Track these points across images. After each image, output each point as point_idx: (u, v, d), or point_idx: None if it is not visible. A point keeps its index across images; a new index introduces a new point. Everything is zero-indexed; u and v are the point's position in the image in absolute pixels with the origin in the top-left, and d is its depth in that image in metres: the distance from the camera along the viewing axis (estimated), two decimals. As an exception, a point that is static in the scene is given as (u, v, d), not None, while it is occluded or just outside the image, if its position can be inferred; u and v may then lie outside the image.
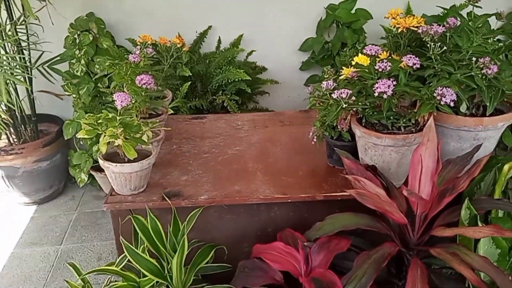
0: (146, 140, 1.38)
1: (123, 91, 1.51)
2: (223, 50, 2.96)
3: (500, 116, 1.42)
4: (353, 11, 2.91)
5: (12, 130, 2.82)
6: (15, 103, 2.69)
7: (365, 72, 1.42)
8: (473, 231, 1.18)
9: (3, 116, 2.69)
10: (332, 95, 1.43)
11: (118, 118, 1.29)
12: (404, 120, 1.45)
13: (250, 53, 3.08)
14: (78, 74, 2.78)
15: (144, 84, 1.54)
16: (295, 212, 1.55)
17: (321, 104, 1.59)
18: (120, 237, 1.31)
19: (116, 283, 1.27)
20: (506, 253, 1.31)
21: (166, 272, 1.26)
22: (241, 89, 2.74)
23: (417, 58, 1.38)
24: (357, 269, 1.18)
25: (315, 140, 1.68)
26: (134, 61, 1.66)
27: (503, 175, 1.40)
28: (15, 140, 2.84)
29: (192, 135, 1.91)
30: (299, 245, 1.28)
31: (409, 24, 1.51)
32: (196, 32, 3.07)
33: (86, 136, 1.30)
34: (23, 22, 2.69)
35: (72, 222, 2.80)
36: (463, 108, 1.43)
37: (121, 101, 1.32)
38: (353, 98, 1.42)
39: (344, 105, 1.41)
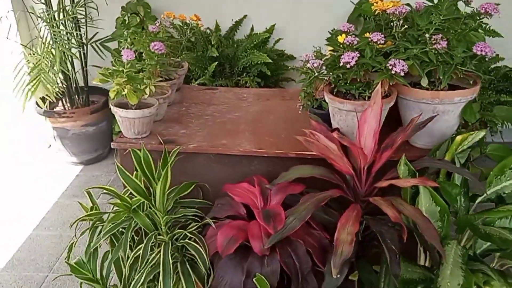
0: (148, 93, 1.68)
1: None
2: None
3: (456, 91, 1.56)
4: (377, 5, 3.05)
5: (67, 98, 3.27)
6: (70, 74, 3.14)
7: (336, 45, 1.63)
8: (404, 181, 1.36)
9: (59, 85, 3.15)
10: (307, 65, 1.65)
11: (125, 71, 1.60)
12: (370, 90, 1.63)
13: (277, 41, 3.33)
14: (125, 51, 3.15)
15: (156, 49, 1.84)
16: (273, 167, 1.78)
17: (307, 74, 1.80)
18: (117, 163, 1.60)
19: (115, 201, 1.59)
20: (445, 211, 1.45)
21: (152, 196, 1.55)
22: (262, 71, 2.99)
23: (382, 35, 1.56)
24: (300, 205, 1.40)
25: (301, 109, 1.90)
26: (153, 31, 1.97)
27: (455, 144, 1.54)
28: (69, 107, 3.29)
29: (201, 102, 2.20)
30: (256, 182, 1.52)
31: (386, 7, 1.69)
32: (232, 20, 3.37)
33: (99, 83, 1.62)
34: (82, 4, 3.11)
35: (110, 182, 3.20)
36: (424, 82, 1.59)
37: (127, 56, 1.63)
38: (324, 69, 1.63)
39: (316, 74, 1.63)
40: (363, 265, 1.54)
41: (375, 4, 1.75)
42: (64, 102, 3.30)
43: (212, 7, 3.35)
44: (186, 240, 1.50)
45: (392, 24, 1.62)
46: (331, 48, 1.75)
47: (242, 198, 1.53)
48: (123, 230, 1.58)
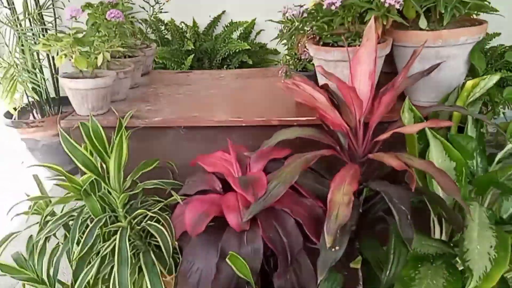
0: (101, 60, 1.44)
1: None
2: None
3: (462, 29, 1.33)
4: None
5: (37, 109, 3.01)
6: (40, 84, 2.90)
7: (318, -9, 1.40)
8: (410, 127, 1.10)
9: (29, 95, 2.91)
10: (286, 14, 1.43)
11: (71, 34, 1.36)
12: (360, 39, 1.40)
13: (258, 32, 3.13)
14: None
15: (113, 17, 1.61)
16: (254, 141, 1.51)
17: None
18: (60, 129, 1.31)
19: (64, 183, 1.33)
20: (462, 165, 1.19)
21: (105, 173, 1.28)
22: (243, 61, 2.77)
23: (369, -29, 1.34)
24: (285, 167, 1.13)
25: (283, 76, 1.66)
26: (111, 1, 1.75)
27: (466, 91, 1.30)
28: (40, 117, 3.03)
29: (173, 83, 1.95)
30: (230, 147, 1.26)
31: None
32: (210, 16, 3.18)
33: (43, 49, 1.38)
34: (50, 6, 2.90)
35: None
36: (422, 23, 1.35)
37: (71, 12, 1.39)
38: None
39: (297, 23, 1.39)
40: (367, 240, 1.26)
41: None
42: (34, 113, 3.05)
43: (189, 4, 3.17)
44: (148, 222, 1.22)
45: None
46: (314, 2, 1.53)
47: (216, 167, 1.26)
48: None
